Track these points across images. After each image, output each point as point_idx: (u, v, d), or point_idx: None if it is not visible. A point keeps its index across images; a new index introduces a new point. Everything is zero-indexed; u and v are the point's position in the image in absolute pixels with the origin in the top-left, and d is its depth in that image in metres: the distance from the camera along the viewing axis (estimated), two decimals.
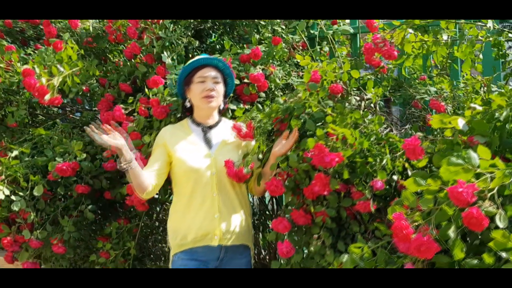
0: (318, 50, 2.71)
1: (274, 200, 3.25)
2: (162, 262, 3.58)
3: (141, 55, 2.79)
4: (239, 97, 2.47)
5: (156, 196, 2.72)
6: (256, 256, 3.19)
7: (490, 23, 1.94)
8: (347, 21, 3.12)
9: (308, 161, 1.89)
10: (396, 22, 2.23)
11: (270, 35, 2.86)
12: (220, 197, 2.14)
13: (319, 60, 2.54)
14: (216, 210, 2.13)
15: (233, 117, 2.39)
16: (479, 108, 1.60)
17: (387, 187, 1.82)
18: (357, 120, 1.97)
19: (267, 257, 3.26)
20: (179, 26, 2.77)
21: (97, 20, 3.31)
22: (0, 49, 2.77)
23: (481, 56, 2.14)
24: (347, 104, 2.24)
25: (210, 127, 2.26)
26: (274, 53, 2.59)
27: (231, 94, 2.42)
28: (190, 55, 2.90)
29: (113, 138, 2.05)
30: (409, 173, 1.84)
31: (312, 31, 2.97)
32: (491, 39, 2.08)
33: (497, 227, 1.23)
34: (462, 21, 2.06)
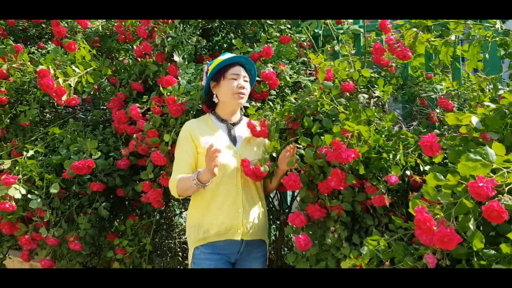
0: (327, 49, 2.76)
1: (278, 196, 3.32)
2: (169, 258, 3.64)
3: (151, 54, 2.84)
4: (251, 95, 2.52)
5: None
6: None
7: (498, 24, 2.02)
8: (350, 20, 3.19)
9: (323, 157, 1.96)
10: (400, 22, 2.31)
11: (277, 34, 2.93)
12: (243, 193, 2.20)
13: (329, 60, 2.61)
14: (240, 205, 2.19)
15: (245, 115, 2.45)
16: (493, 106, 1.67)
17: (401, 182, 1.90)
18: (370, 118, 2.03)
19: (272, 252, 3.33)
20: (189, 26, 2.82)
21: (105, 20, 3.35)
22: (11, 49, 2.79)
23: (487, 55, 2.21)
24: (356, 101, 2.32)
25: (234, 124, 2.32)
26: (284, 52, 2.65)
27: None
28: (199, 54, 2.95)
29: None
30: (421, 168, 1.92)
31: (316, 30, 3.03)
32: (497, 39, 2.16)
33: None
34: (470, 21, 2.14)
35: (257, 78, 2.48)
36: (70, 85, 2.45)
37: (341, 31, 2.84)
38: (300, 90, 2.52)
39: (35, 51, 3.50)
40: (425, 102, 2.51)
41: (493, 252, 1.41)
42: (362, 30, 2.85)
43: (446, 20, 2.05)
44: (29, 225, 2.57)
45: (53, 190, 2.51)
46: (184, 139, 2.22)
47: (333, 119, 2.11)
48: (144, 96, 2.59)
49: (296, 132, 2.17)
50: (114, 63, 3.02)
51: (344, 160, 1.82)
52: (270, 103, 2.51)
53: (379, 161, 1.92)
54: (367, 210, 2.01)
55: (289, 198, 3.33)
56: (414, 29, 2.15)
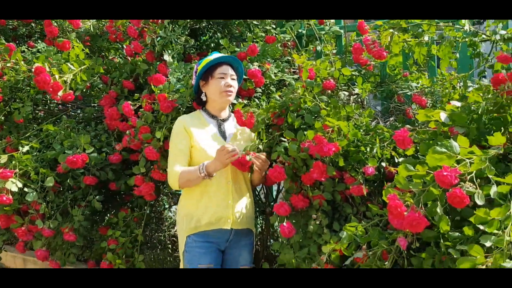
0: (310, 49, 2.90)
1: (264, 189, 3.45)
2: (159, 250, 3.77)
3: (142, 53, 2.95)
4: (238, 92, 2.65)
5: None
6: None
7: (467, 26, 2.18)
8: (332, 21, 3.34)
9: (306, 151, 2.11)
10: (379, 22, 2.46)
11: (263, 34, 3.06)
12: (233, 185, 2.34)
13: (312, 59, 2.75)
14: (230, 196, 2.33)
15: (233, 111, 2.58)
16: (458, 104, 1.83)
17: (377, 172, 2.05)
18: (349, 114, 2.18)
19: (258, 243, 3.48)
20: (178, 26, 2.94)
21: (95, 20, 3.45)
22: (4, 49, 2.89)
23: (457, 55, 2.37)
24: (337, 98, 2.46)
25: (223, 120, 2.45)
26: (269, 51, 2.79)
27: None
28: (187, 53, 3.07)
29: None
30: (396, 160, 2.07)
31: (300, 30, 3.17)
32: (467, 39, 2.32)
33: (475, 205, 1.46)
34: (442, 23, 2.30)
35: (244, 76, 2.62)
36: (65, 82, 2.56)
37: (323, 32, 2.98)
38: (285, 88, 2.66)
39: (25, 50, 3.59)
40: (401, 99, 2.67)
41: (457, 234, 1.56)
42: (342, 31, 3.00)
43: (419, 22, 2.19)
44: (25, 218, 2.68)
45: (48, 183, 2.62)
46: (179, 133, 2.34)
47: (315, 115, 2.25)
48: (136, 94, 2.71)
49: (281, 127, 2.31)
50: (105, 62, 3.12)
51: (325, 153, 1.96)
52: (256, 100, 2.64)
53: (357, 154, 2.07)
54: (346, 199, 2.16)
55: (274, 192, 3.48)
56: (391, 30, 2.30)
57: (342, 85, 2.64)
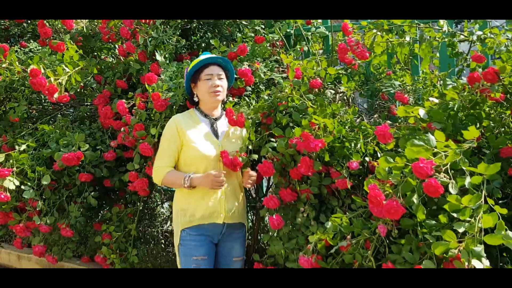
0: (298, 49, 3.01)
1: (255, 185, 3.55)
2: (152, 245, 3.86)
3: (134, 53, 3.04)
4: (228, 91, 2.75)
5: None
6: None
7: (445, 27, 2.30)
8: (319, 21, 3.45)
9: (294, 147, 2.21)
10: (363, 23, 2.57)
11: (252, 34, 3.16)
12: (225, 182, 2.42)
13: (300, 58, 2.85)
14: (222, 192, 2.43)
15: (224, 109, 2.68)
16: (436, 101, 1.94)
17: (361, 167, 2.16)
18: (335, 111, 2.29)
19: (249, 237, 3.58)
20: (169, 27, 3.03)
21: (88, 21, 3.53)
22: (0, 50, 2.96)
23: (438, 54, 2.49)
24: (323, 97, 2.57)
25: (216, 119, 2.54)
26: (258, 51, 2.89)
27: None
28: (179, 53, 3.16)
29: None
30: (379, 155, 2.19)
31: (288, 30, 3.28)
32: (446, 40, 2.44)
33: (450, 194, 1.57)
34: (422, 25, 2.41)
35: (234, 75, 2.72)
36: (60, 84, 2.64)
37: (310, 33, 3.09)
38: (273, 87, 2.76)
39: (18, 50, 3.65)
40: (385, 97, 2.78)
41: (433, 222, 1.67)
42: (327, 32, 3.11)
43: (401, 23, 2.31)
44: (22, 215, 2.75)
45: (45, 181, 2.70)
46: (171, 132, 2.43)
47: (303, 113, 2.35)
48: (130, 93, 2.80)
49: (270, 127, 2.41)
50: (98, 62, 3.20)
51: (312, 149, 2.07)
52: (246, 98, 2.74)
53: (342, 150, 2.18)
54: (332, 193, 2.26)
55: (264, 187, 3.58)
56: (374, 31, 2.41)
57: (329, 83, 2.75)
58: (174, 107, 2.62)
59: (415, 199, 1.62)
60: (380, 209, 1.61)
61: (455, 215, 1.57)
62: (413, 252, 1.71)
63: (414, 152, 1.62)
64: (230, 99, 2.72)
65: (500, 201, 1.89)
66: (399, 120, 2.44)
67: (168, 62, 2.92)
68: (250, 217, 3.59)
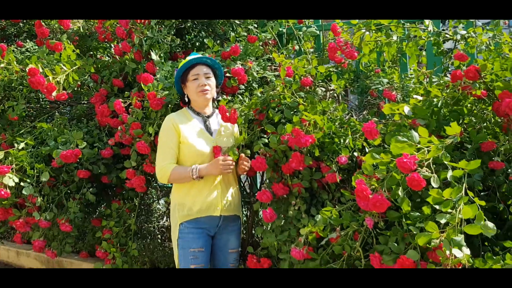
0: (290, 48, 3.09)
1: (249, 180, 3.64)
2: (149, 240, 3.94)
3: (130, 53, 3.11)
4: (222, 90, 2.83)
5: None
6: None
7: (430, 27, 2.39)
8: (311, 20, 3.53)
9: (285, 143, 2.30)
10: (354, 21, 2.65)
11: (245, 33, 3.24)
12: (221, 176, 2.52)
13: (292, 57, 2.94)
14: (218, 186, 2.52)
15: (217, 107, 2.75)
16: (420, 98, 2.03)
17: (350, 162, 2.25)
18: (325, 108, 2.38)
19: (244, 232, 3.67)
20: (164, 26, 3.10)
21: (84, 21, 3.59)
22: None
23: (424, 53, 2.58)
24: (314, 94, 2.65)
25: (208, 117, 2.62)
26: (251, 50, 2.97)
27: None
28: (174, 52, 3.24)
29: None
30: (367, 150, 2.28)
31: (280, 29, 3.36)
32: (431, 39, 2.53)
33: (432, 187, 1.66)
34: (408, 24, 2.50)
35: (227, 74, 2.79)
36: (58, 82, 2.71)
37: (301, 32, 3.17)
38: (265, 85, 2.84)
39: (15, 49, 3.71)
40: (374, 94, 2.87)
41: (417, 214, 1.76)
42: (318, 32, 3.19)
43: (387, 24, 2.39)
44: (22, 211, 2.83)
45: (44, 178, 2.77)
46: (168, 130, 2.50)
47: (294, 110, 2.44)
48: (126, 92, 2.87)
49: (262, 123, 2.49)
50: (94, 61, 3.27)
51: (303, 144, 2.15)
52: (240, 96, 2.82)
53: (332, 145, 2.27)
54: (322, 187, 2.36)
55: (258, 183, 3.67)
56: (362, 30, 2.49)
57: (320, 81, 2.83)
58: (170, 105, 2.70)
59: (400, 192, 1.71)
60: (367, 202, 1.70)
61: (437, 207, 1.66)
62: (398, 242, 1.80)
63: (398, 148, 1.71)
64: (224, 97, 2.79)
65: (481, 193, 1.99)
66: (387, 117, 2.53)
67: (163, 61, 2.99)
68: (244, 212, 3.68)
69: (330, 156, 2.29)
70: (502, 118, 1.98)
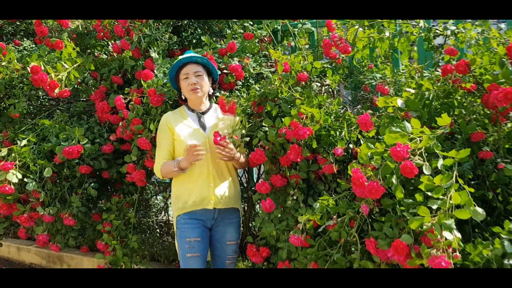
0: (285, 44, 3.18)
1: (246, 175, 3.72)
2: (148, 234, 4.02)
3: (129, 50, 3.17)
4: (220, 86, 2.91)
5: None
6: None
7: (421, 23, 2.48)
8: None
9: (283, 136, 2.38)
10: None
11: (241, 31, 3.32)
12: (214, 170, 2.60)
13: (287, 53, 3.02)
14: (211, 180, 2.60)
15: (216, 103, 2.83)
16: (412, 91, 2.12)
17: (345, 153, 2.34)
18: (321, 102, 2.46)
19: (242, 225, 3.75)
20: (161, 24, 3.17)
21: (82, 20, 3.65)
22: None
23: (415, 48, 2.67)
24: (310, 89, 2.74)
25: (203, 113, 2.70)
26: (247, 47, 3.04)
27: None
28: (171, 49, 3.31)
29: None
30: (362, 142, 2.36)
31: (275, 26, 3.44)
32: (422, 34, 2.62)
33: (424, 175, 1.75)
34: (400, 21, 2.59)
35: (225, 71, 2.87)
36: (60, 79, 2.77)
37: (296, 29, 3.26)
38: (263, 80, 2.92)
39: (12, 48, 3.77)
40: (368, 89, 2.96)
41: (410, 201, 1.85)
42: (313, 29, 3.28)
43: (380, 21, 2.48)
44: (26, 206, 2.89)
45: (47, 174, 2.84)
46: (162, 129, 2.64)
47: (291, 104, 2.52)
48: (126, 89, 2.94)
49: (261, 115, 2.57)
50: (93, 59, 3.33)
51: (301, 136, 2.24)
52: (237, 92, 2.90)
53: (328, 137, 2.36)
54: (319, 178, 2.44)
55: (255, 177, 3.75)
56: (356, 27, 2.58)
57: (315, 77, 2.92)
58: (169, 102, 2.77)
59: (394, 180, 1.80)
60: (363, 189, 1.78)
61: (429, 193, 1.75)
62: (393, 228, 1.89)
63: (392, 138, 1.80)
64: (222, 92, 2.87)
65: (472, 182, 2.09)
66: (380, 110, 2.62)
67: (161, 58, 3.07)
68: (241, 205, 3.76)
69: (326, 148, 2.37)
70: (491, 110, 2.07)
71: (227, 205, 2.64)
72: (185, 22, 3.48)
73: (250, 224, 3.73)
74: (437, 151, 1.79)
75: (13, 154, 2.83)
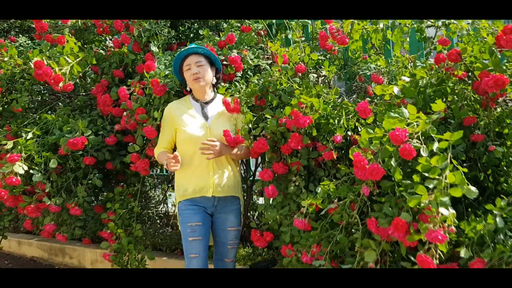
0: (282, 36, 3.27)
1: (244, 165, 3.82)
2: (149, 225, 4.10)
3: (129, 44, 3.25)
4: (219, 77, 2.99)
5: None
6: None
7: None
8: None
9: (284, 125, 2.48)
10: None
11: (238, 24, 3.40)
12: (214, 159, 2.67)
13: (282, 46, 3.12)
14: (210, 169, 2.70)
15: (219, 93, 2.92)
16: (407, 80, 2.24)
17: (344, 140, 2.45)
18: (319, 92, 2.57)
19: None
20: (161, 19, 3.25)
21: None
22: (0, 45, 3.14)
23: (408, 39, 2.78)
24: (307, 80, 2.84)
25: (207, 103, 2.79)
26: (245, 39, 3.13)
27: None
28: (170, 43, 3.39)
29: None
30: (360, 129, 2.47)
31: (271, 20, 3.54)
32: (415, 26, 2.73)
33: (421, 157, 1.86)
34: None
35: (224, 62, 2.96)
36: (64, 73, 2.84)
37: (292, 22, 3.36)
38: (262, 73, 3.01)
39: (8, 44, 3.81)
40: (362, 79, 3.08)
41: (408, 182, 1.96)
42: (309, 22, 3.38)
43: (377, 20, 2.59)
44: (32, 197, 2.96)
45: (52, 165, 2.91)
46: (165, 117, 2.76)
47: (290, 95, 2.62)
48: (129, 80, 3.02)
49: (263, 107, 2.66)
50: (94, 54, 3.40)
51: (302, 125, 2.34)
52: (236, 83, 2.99)
53: (327, 125, 2.46)
54: (319, 165, 2.55)
55: (252, 168, 3.85)
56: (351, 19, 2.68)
57: (311, 68, 3.02)
58: (172, 91, 2.86)
59: (393, 162, 1.91)
60: (364, 172, 1.89)
61: (426, 174, 1.86)
62: (392, 207, 2.00)
63: (390, 123, 1.90)
64: (222, 84, 2.96)
65: (464, 164, 2.21)
66: (376, 99, 2.73)
67: (161, 52, 3.15)
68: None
69: (326, 136, 2.48)
70: (481, 95, 2.19)
71: (226, 194, 2.73)
72: None
73: (249, 214, 3.83)
74: (432, 135, 1.90)
75: (18, 147, 2.89)
